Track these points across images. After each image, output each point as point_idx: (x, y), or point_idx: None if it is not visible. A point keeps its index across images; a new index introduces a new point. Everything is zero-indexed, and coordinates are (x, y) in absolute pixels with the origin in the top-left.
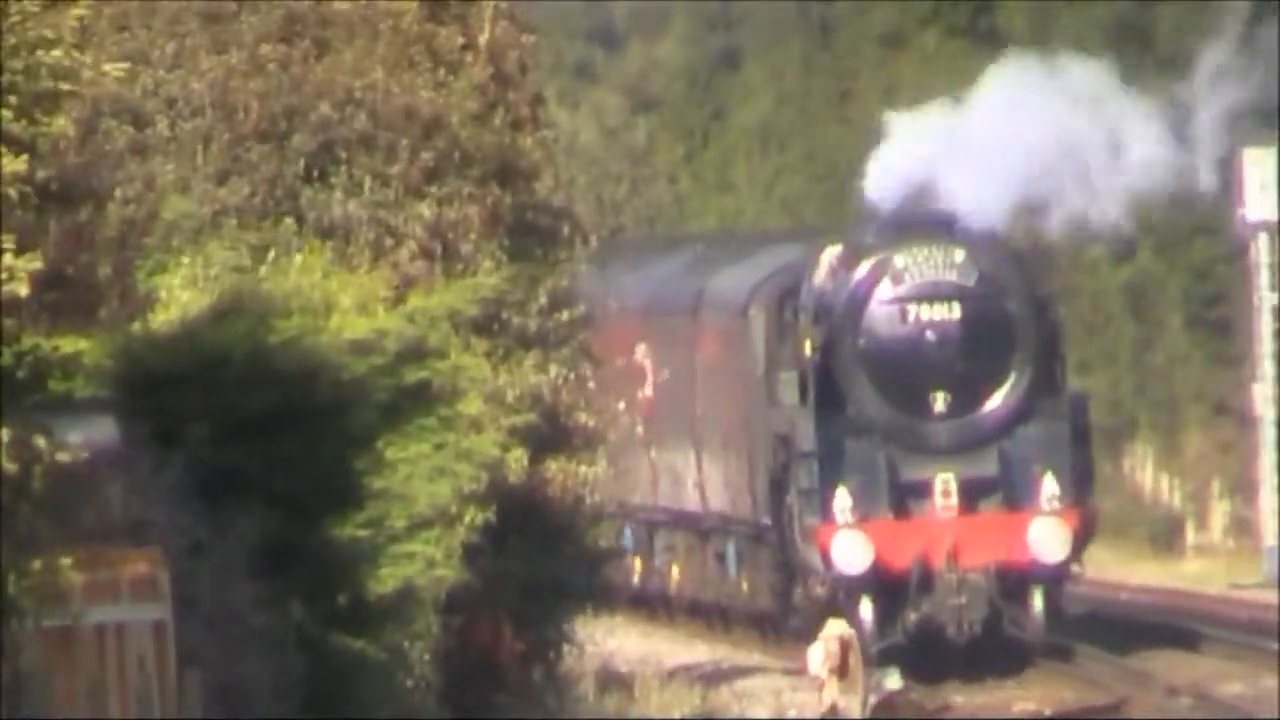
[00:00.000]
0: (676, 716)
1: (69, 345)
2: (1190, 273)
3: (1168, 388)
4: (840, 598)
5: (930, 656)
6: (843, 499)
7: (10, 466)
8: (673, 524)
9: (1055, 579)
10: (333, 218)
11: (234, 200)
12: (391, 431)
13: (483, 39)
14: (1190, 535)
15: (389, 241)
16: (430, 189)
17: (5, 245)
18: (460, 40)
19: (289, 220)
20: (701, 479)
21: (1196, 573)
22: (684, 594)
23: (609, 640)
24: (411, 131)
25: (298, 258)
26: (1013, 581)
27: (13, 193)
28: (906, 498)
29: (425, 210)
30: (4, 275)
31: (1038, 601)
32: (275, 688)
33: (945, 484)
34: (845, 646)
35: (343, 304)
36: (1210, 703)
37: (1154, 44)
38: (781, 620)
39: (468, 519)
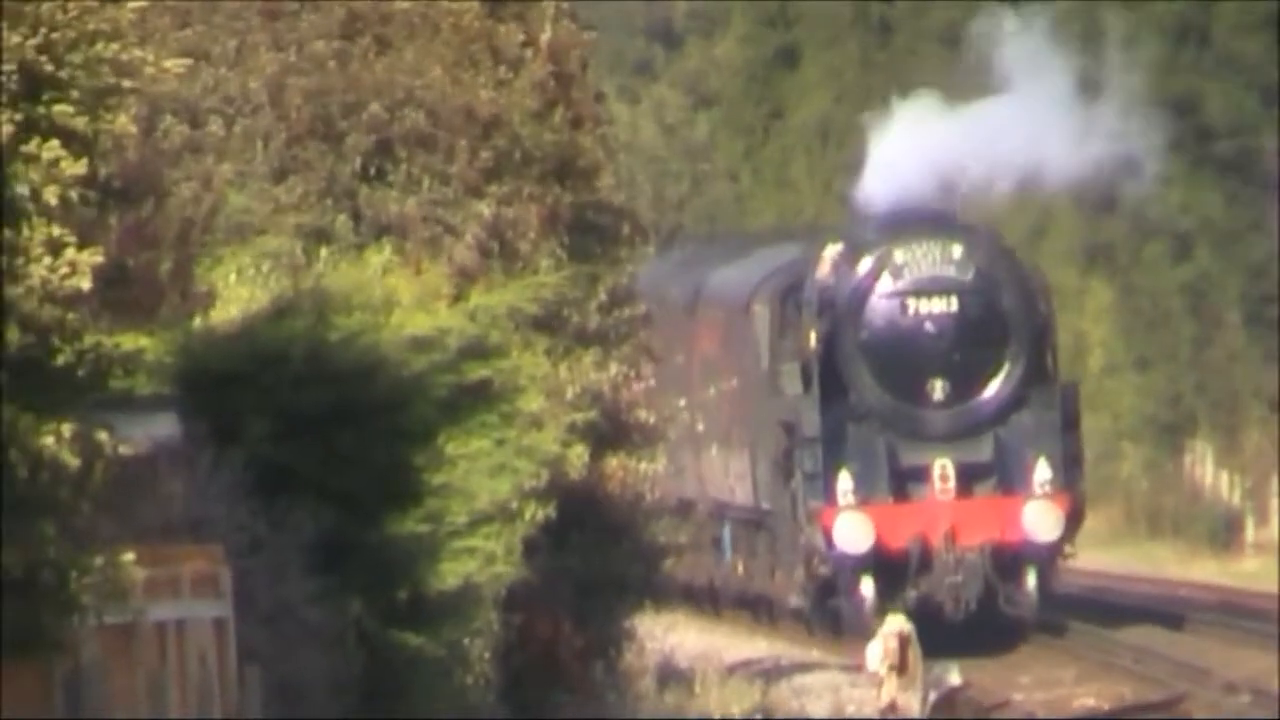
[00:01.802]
0: (736, 712)
1: (130, 343)
2: (1248, 271)
3: (1227, 385)
4: (842, 576)
5: (929, 632)
6: (845, 482)
7: (72, 461)
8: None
9: (1047, 559)
10: (389, 216)
11: (290, 198)
12: (452, 427)
13: (543, 37)
14: (1250, 532)
15: (446, 239)
16: (489, 188)
17: (67, 240)
18: (520, 38)
19: (344, 218)
20: (700, 468)
21: (1256, 570)
22: (676, 578)
23: (669, 636)
24: (471, 130)
25: (365, 255)
26: (1007, 561)
27: (73, 194)
28: (906, 481)
29: (484, 209)
30: (66, 269)
31: (1031, 580)
32: (334, 684)
33: (943, 468)
34: (904, 642)
35: (403, 301)
36: (1268, 698)
37: (1211, 41)
38: (778, 603)
39: (528, 515)
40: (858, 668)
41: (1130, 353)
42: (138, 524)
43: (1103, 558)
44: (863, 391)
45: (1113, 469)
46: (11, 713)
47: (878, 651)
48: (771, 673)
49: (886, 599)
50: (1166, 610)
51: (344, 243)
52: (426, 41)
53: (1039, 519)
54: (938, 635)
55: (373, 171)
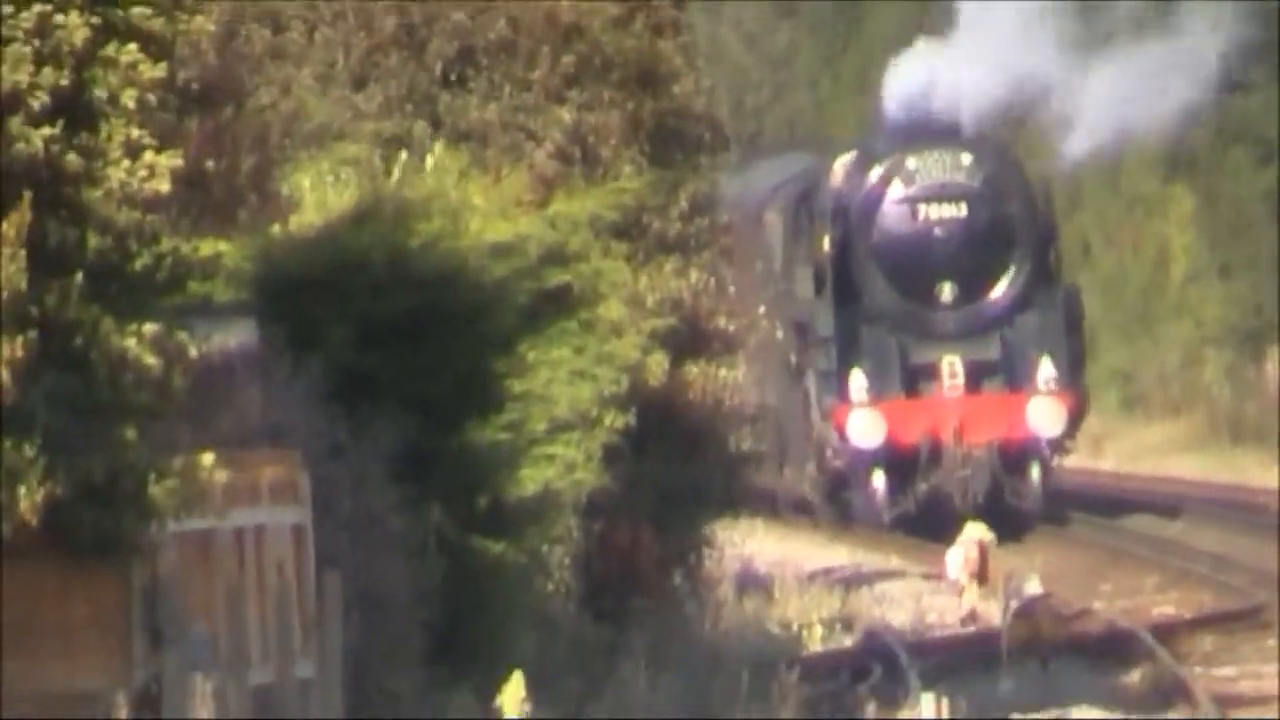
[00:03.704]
0: (815, 620)
1: (208, 248)
2: None
3: None
4: (855, 471)
5: (938, 524)
6: (858, 380)
7: (152, 361)
8: None
9: (1050, 454)
10: (469, 122)
11: (370, 106)
12: (532, 335)
13: None
14: None
15: (527, 145)
16: (570, 94)
17: (146, 143)
18: None
19: (423, 124)
20: None
21: None
22: None
23: (748, 543)
24: (552, 37)
25: (429, 160)
26: (1013, 456)
27: (151, 98)
28: (916, 379)
29: (565, 115)
30: (145, 173)
31: (1035, 474)
32: (413, 591)
33: (952, 366)
34: (984, 551)
35: (481, 208)
36: None
37: None
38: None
39: (607, 422)
40: (938, 576)
41: (1213, 260)
42: (216, 431)
43: (1185, 464)
44: (875, 293)
45: (1195, 376)
46: (90, 620)
47: (958, 560)
48: (851, 580)
49: (897, 492)
50: (1247, 518)
51: (423, 149)
52: None
53: (1043, 415)
54: (948, 526)
55: (453, 78)
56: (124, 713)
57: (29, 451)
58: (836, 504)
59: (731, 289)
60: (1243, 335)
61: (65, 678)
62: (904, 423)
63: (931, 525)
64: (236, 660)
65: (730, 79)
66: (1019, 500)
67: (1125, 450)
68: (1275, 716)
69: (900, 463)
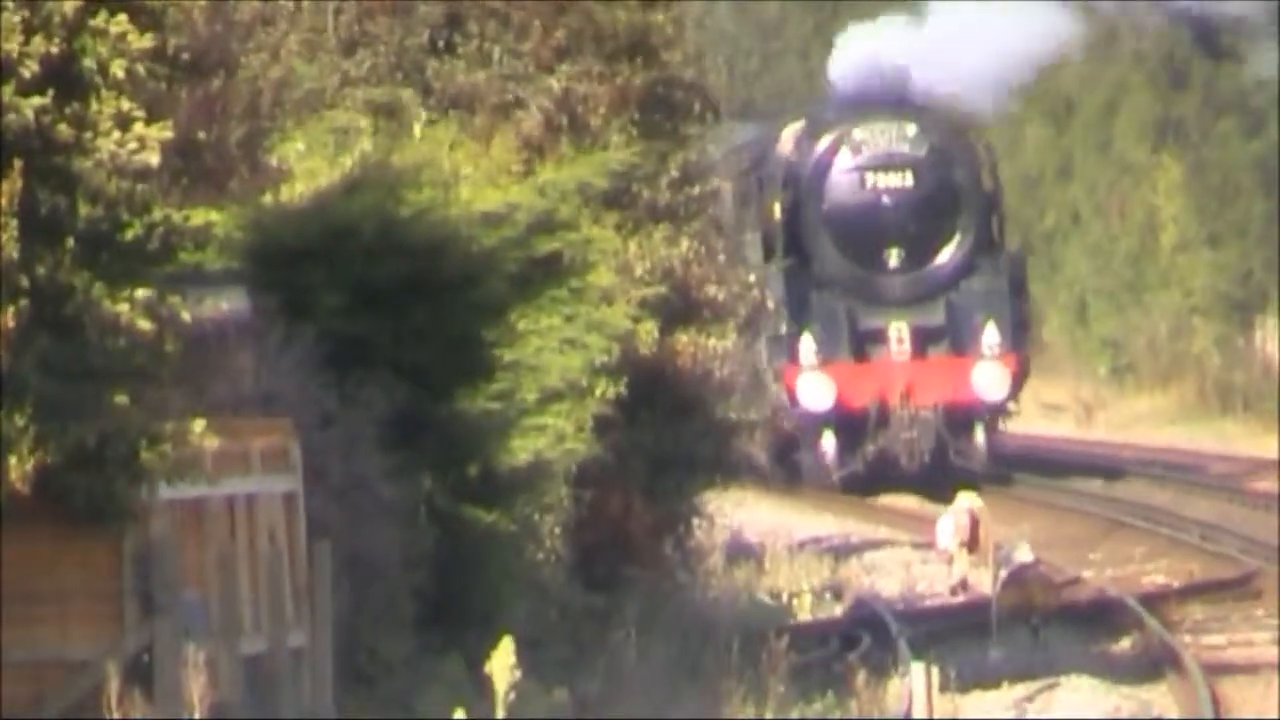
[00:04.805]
0: (806, 588)
1: (200, 217)
2: None
3: None
4: (804, 432)
5: (886, 483)
6: (808, 344)
7: (144, 325)
8: None
9: (994, 416)
10: (457, 88)
11: (359, 72)
12: (522, 303)
13: None
14: None
15: (515, 112)
16: (561, 66)
17: (135, 115)
18: None
19: (412, 92)
20: None
21: None
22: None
23: (738, 512)
24: (544, 8)
25: (417, 129)
26: (958, 418)
27: (140, 68)
28: (865, 343)
29: (554, 83)
30: (135, 144)
31: (979, 435)
32: (405, 559)
33: (899, 331)
34: (975, 520)
35: (471, 176)
36: None
37: None
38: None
39: (598, 391)
40: (928, 544)
41: (1202, 228)
42: (208, 398)
43: (1173, 434)
44: (824, 260)
45: (1184, 345)
46: (82, 587)
47: (949, 528)
48: (841, 549)
49: (846, 453)
50: (1236, 487)
51: (412, 117)
52: None
53: (988, 379)
54: (896, 485)
55: (442, 45)
56: (115, 682)
57: (20, 420)
58: (786, 466)
59: (722, 257)
60: (1231, 304)
61: (58, 645)
62: (852, 386)
63: (879, 485)
64: (228, 628)
65: (720, 48)
66: (964, 461)
67: (1115, 419)
68: (1265, 684)
69: (849, 424)
